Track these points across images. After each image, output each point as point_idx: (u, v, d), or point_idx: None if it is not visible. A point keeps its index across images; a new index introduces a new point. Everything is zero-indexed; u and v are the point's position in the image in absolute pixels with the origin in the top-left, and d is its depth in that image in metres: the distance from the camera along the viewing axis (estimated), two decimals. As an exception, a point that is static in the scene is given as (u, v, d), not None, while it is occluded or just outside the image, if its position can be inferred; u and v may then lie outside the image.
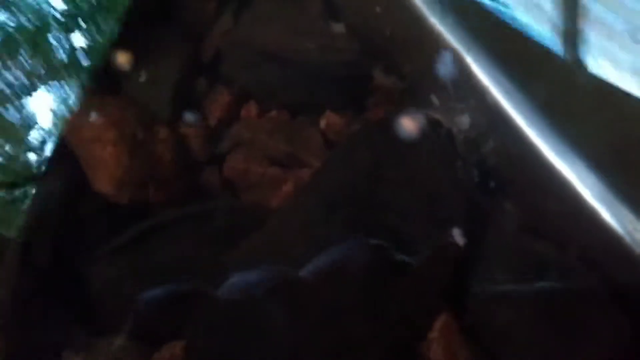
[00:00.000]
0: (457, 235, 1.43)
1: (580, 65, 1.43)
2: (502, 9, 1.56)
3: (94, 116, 1.65)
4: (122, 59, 1.80)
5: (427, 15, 1.67)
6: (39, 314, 1.48)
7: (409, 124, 1.63)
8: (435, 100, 1.67)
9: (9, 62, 1.70)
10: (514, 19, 1.54)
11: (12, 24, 1.73)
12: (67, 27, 1.74)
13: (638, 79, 1.34)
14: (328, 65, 1.78)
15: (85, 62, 1.72)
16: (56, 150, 1.66)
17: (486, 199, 1.51)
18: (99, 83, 1.79)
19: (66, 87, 1.70)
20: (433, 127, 1.63)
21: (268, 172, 1.74)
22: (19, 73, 1.70)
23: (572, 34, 1.44)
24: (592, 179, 1.40)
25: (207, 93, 1.87)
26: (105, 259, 1.55)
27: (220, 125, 1.84)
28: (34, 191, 1.60)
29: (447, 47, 1.64)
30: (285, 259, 1.46)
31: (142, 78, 1.81)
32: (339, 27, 1.84)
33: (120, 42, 1.78)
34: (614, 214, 1.36)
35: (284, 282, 1.34)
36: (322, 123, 1.78)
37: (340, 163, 1.64)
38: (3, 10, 1.74)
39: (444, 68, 1.68)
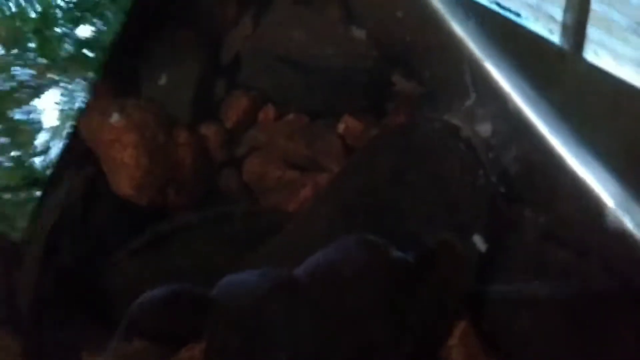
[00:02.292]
0: (479, 242, 1.42)
1: (582, 59, 1.44)
2: (513, 17, 1.58)
3: (115, 118, 1.66)
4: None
5: (448, 22, 1.67)
6: (58, 315, 1.48)
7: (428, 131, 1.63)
8: (455, 106, 1.67)
9: (18, 56, 1.70)
10: (524, 25, 1.57)
11: (17, 14, 1.72)
12: (73, 18, 1.74)
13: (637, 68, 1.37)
14: (348, 71, 1.77)
15: (91, 55, 1.72)
16: (68, 153, 1.67)
17: (507, 205, 1.50)
18: (119, 85, 1.81)
19: (73, 86, 1.71)
20: (453, 134, 1.62)
21: (286, 175, 1.74)
22: (27, 70, 1.70)
23: (577, 33, 1.45)
24: (613, 186, 1.39)
25: (225, 97, 1.88)
26: (125, 261, 1.55)
27: (238, 129, 1.85)
28: (39, 194, 1.61)
29: (467, 53, 1.64)
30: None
31: (162, 81, 1.82)
32: (359, 33, 1.84)
33: (140, 47, 1.79)
34: (636, 222, 1.34)
35: (281, 283, 1.33)
36: (341, 127, 1.77)
37: (360, 168, 1.64)
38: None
39: (464, 74, 1.68)
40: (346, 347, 1.30)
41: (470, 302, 1.41)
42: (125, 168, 1.63)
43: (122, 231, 1.60)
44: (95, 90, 1.77)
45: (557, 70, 1.53)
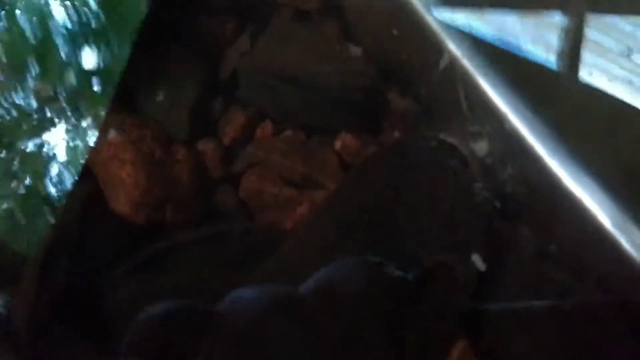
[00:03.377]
0: (477, 261, 1.43)
1: (577, 80, 1.48)
2: (511, 40, 1.61)
3: (112, 134, 1.65)
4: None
5: (444, 40, 1.68)
6: (55, 333, 1.48)
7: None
8: (451, 124, 1.68)
9: (19, 84, 1.69)
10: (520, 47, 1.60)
11: (17, 42, 1.70)
12: (75, 45, 1.72)
13: (630, 89, 1.42)
14: (345, 89, 1.78)
15: (97, 87, 1.71)
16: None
17: (504, 225, 1.51)
18: (117, 102, 1.81)
19: (83, 122, 1.70)
20: (449, 152, 1.63)
21: (283, 192, 1.74)
22: (31, 99, 1.69)
23: (573, 57, 1.49)
24: (609, 206, 1.41)
25: (222, 113, 1.88)
26: (122, 279, 1.55)
27: (235, 145, 1.85)
28: (53, 220, 1.60)
29: (463, 71, 1.65)
30: (300, 283, 1.45)
31: (160, 98, 1.82)
32: (355, 50, 1.86)
33: (135, 62, 1.78)
34: (633, 243, 1.36)
35: (284, 300, 1.33)
36: (337, 144, 1.78)
37: (356, 186, 1.64)
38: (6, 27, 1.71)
39: (460, 93, 1.69)
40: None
41: (469, 321, 1.42)
42: (123, 186, 1.62)
43: (119, 249, 1.60)
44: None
45: (552, 90, 1.56)
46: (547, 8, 1.59)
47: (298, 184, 1.75)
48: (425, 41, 1.75)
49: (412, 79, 1.80)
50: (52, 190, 1.63)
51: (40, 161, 1.66)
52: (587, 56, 1.50)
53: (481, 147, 1.62)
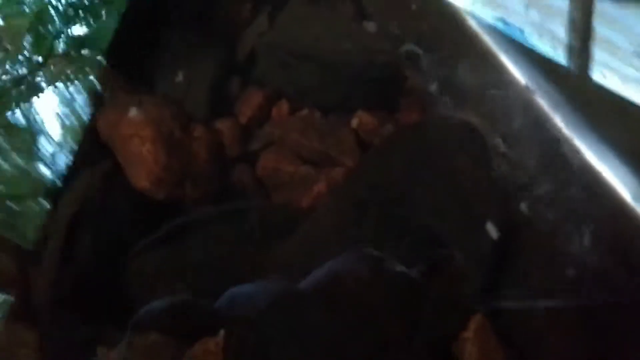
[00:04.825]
0: (491, 230, 1.43)
1: (587, 78, 1.47)
2: (517, 33, 1.60)
3: (133, 112, 1.67)
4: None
5: (464, 16, 1.67)
6: (75, 310, 1.49)
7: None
8: (469, 102, 1.67)
9: (11, 52, 1.69)
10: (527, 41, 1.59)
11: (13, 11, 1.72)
12: (67, 16, 1.74)
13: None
14: (362, 66, 1.78)
15: (87, 54, 1.71)
16: (89, 143, 1.67)
17: (523, 202, 1.50)
18: (135, 82, 1.82)
19: (74, 91, 1.71)
20: (466, 130, 1.62)
21: (299, 170, 1.75)
22: (21, 67, 1.70)
23: (581, 53, 1.48)
24: (630, 179, 1.39)
25: (240, 93, 1.89)
26: (141, 255, 1.56)
27: (252, 124, 1.86)
28: (48, 206, 1.61)
29: (483, 47, 1.64)
30: (318, 260, 1.45)
31: (179, 78, 1.84)
32: (372, 27, 1.85)
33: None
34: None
35: (285, 296, 1.34)
36: (354, 122, 1.78)
37: (375, 164, 1.65)
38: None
39: (479, 69, 1.68)
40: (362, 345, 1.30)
41: (486, 296, 1.41)
42: (144, 162, 1.64)
43: (139, 225, 1.61)
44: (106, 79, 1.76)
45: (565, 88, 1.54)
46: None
47: (315, 162, 1.76)
48: (444, 16, 1.74)
49: (429, 55, 1.79)
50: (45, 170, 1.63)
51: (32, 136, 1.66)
52: (598, 54, 1.49)
53: (499, 124, 1.61)
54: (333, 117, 1.81)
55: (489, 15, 1.67)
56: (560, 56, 1.52)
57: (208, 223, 1.62)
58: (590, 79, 1.47)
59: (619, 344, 1.33)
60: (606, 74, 1.45)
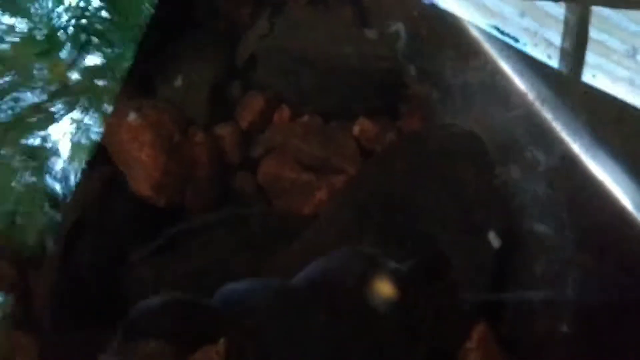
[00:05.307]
0: (493, 239, 1.43)
1: (579, 80, 1.47)
2: (512, 41, 1.61)
3: (132, 117, 1.66)
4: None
5: (464, 24, 1.67)
6: (76, 316, 1.49)
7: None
8: (471, 109, 1.67)
9: (25, 80, 1.68)
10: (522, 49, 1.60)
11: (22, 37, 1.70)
12: (79, 43, 1.72)
13: (634, 89, 1.43)
14: (363, 72, 1.78)
15: (101, 83, 1.71)
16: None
17: (524, 209, 1.50)
18: (134, 87, 1.81)
19: (86, 118, 1.70)
20: (468, 138, 1.63)
21: (301, 177, 1.74)
22: (35, 95, 1.69)
23: (576, 58, 1.49)
24: (633, 188, 1.40)
25: (240, 97, 1.88)
26: (142, 261, 1.56)
27: (253, 129, 1.85)
28: (59, 218, 1.60)
29: (484, 55, 1.64)
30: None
31: (178, 82, 1.82)
32: (373, 33, 1.85)
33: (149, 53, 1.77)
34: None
35: (279, 290, 1.33)
36: (356, 129, 1.78)
37: (376, 172, 1.64)
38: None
39: (480, 77, 1.68)
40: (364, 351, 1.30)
41: (489, 305, 1.41)
42: (144, 167, 1.63)
43: (140, 231, 1.60)
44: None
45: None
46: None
47: (316, 168, 1.75)
48: (444, 24, 1.74)
49: (431, 62, 1.79)
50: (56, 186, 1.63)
51: (44, 156, 1.66)
52: (590, 57, 1.49)
53: (501, 132, 1.61)
54: (334, 124, 1.81)
55: (484, 23, 1.68)
56: (555, 63, 1.53)
57: (208, 229, 1.61)
58: (582, 82, 1.48)
59: (621, 352, 1.33)
60: (596, 74, 1.46)
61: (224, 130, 1.81)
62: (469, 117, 1.69)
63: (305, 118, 1.83)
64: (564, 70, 1.53)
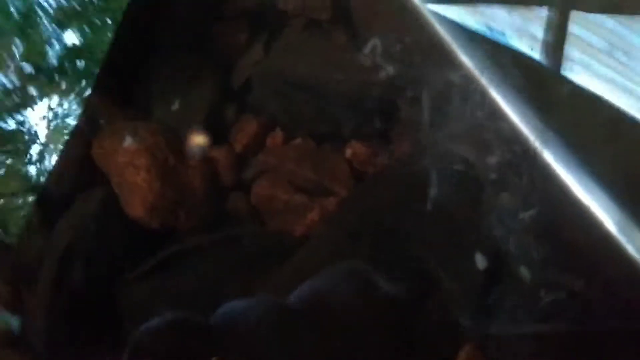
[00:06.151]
0: (480, 260, 1.45)
1: (561, 76, 1.49)
2: (499, 36, 1.64)
3: (128, 141, 1.69)
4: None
5: (454, 49, 1.71)
6: (71, 337, 1.50)
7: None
8: (461, 132, 1.70)
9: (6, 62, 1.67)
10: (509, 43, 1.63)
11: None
12: (58, 21, 1.71)
13: (611, 87, 1.47)
14: (355, 97, 1.81)
15: (81, 65, 1.71)
16: (85, 170, 1.69)
17: (511, 232, 1.52)
18: (131, 109, 1.85)
19: (65, 101, 1.71)
20: (457, 161, 1.65)
21: (293, 199, 1.77)
22: (12, 77, 1.70)
23: (557, 52, 1.51)
24: (616, 212, 1.42)
25: (235, 121, 1.92)
26: (136, 281, 1.58)
27: (247, 152, 1.88)
28: (31, 199, 1.62)
29: (472, 80, 1.68)
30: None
31: (175, 106, 1.86)
32: (366, 59, 1.88)
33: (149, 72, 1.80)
34: (638, 248, 1.37)
35: (275, 309, 1.35)
36: (348, 152, 1.81)
37: (367, 196, 1.67)
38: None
39: (469, 100, 1.71)
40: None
41: (476, 327, 1.43)
42: (139, 191, 1.66)
43: (134, 252, 1.63)
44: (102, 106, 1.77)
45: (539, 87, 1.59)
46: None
47: (309, 190, 1.78)
48: (435, 49, 1.77)
49: (421, 86, 1.82)
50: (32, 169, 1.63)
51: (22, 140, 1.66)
52: (570, 51, 1.52)
53: (489, 155, 1.64)
54: (327, 147, 1.84)
55: (473, 21, 1.71)
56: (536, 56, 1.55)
57: (202, 251, 1.64)
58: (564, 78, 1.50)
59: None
60: (579, 70, 1.49)
61: (218, 153, 1.85)
62: (459, 141, 1.71)
63: (299, 141, 1.87)
64: (546, 64, 1.56)
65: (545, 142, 1.55)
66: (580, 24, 1.52)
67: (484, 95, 1.66)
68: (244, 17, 1.97)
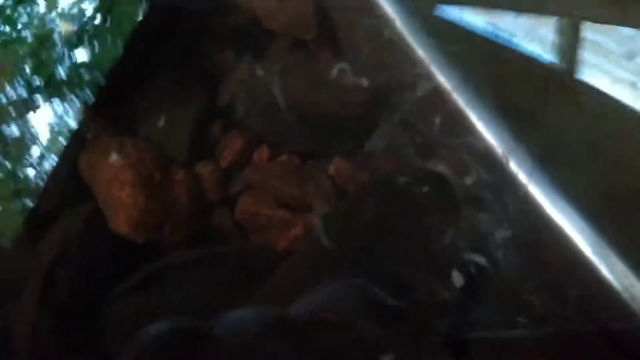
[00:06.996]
0: (456, 278, 1.48)
1: (576, 80, 1.53)
2: (508, 37, 1.67)
3: (113, 157, 1.72)
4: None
5: (435, 73, 1.75)
6: (55, 352, 1.52)
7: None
8: (439, 152, 1.74)
9: (11, 77, 1.73)
10: (517, 45, 1.66)
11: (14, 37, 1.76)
12: (71, 43, 1.78)
13: (633, 91, 1.49)
14: (339, 116, 1.85)
15: (87, 77, 1.76)
16: (71, 185, 1.71)
17: (487, 249, 1.56)
18: (117, 125, 1.87)
19: (67, 104, 1.75)
20: (436, 181, 1.69)
21: (277, 214, 1.80)
22: (21, 89, 1.74)
23: (571, 56, 1.54)
24: (588, 232, 1.46)
25: (221, 137, 1.95)
26: (121, 297, 1.60)
27: (232, 169, 1.91)
28: (31, 203, 1.64)
29: (451, 103, 1.72)
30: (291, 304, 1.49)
31: (161, 122, 1.89)
32: (350, 79, 1.92)
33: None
34: (611, 269, 1.41)
35: (277, 320, 1.36)
36: (331, 169, 1.84)
37: (348, 212, 1.70)
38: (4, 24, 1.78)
39: (450, 121, 1.75)
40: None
41: (454, 343, 1.46)
42: (124, 206, 1.68)
43: (118, 267, 1.65)
44: (91, 121, 1.81)
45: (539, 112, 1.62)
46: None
47: (292, 206, 1.81)
48: (417, 70, 1.81)
49: (402, 105, 1.86)
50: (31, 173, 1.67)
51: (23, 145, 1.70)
52: (587, 56, 1.54)
53: (468, 175, 1.68)
54: (311, 164, 1.87)
55: (480, 20, 1.74)
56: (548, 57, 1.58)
57: (186, 266, 1.66)
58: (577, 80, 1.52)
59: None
60: (597, 75, 1.51)
61: (204, 169, 1.88)
62: (439, 159, 1.75)
63: (284, 158, 1.90)
64: (560, 69, 1.57)
65: (523, 163, 1.59)
66: (594, 30, 1.53)
67: (463, 118, 1.71)
68: (230, 35, 2.00)
